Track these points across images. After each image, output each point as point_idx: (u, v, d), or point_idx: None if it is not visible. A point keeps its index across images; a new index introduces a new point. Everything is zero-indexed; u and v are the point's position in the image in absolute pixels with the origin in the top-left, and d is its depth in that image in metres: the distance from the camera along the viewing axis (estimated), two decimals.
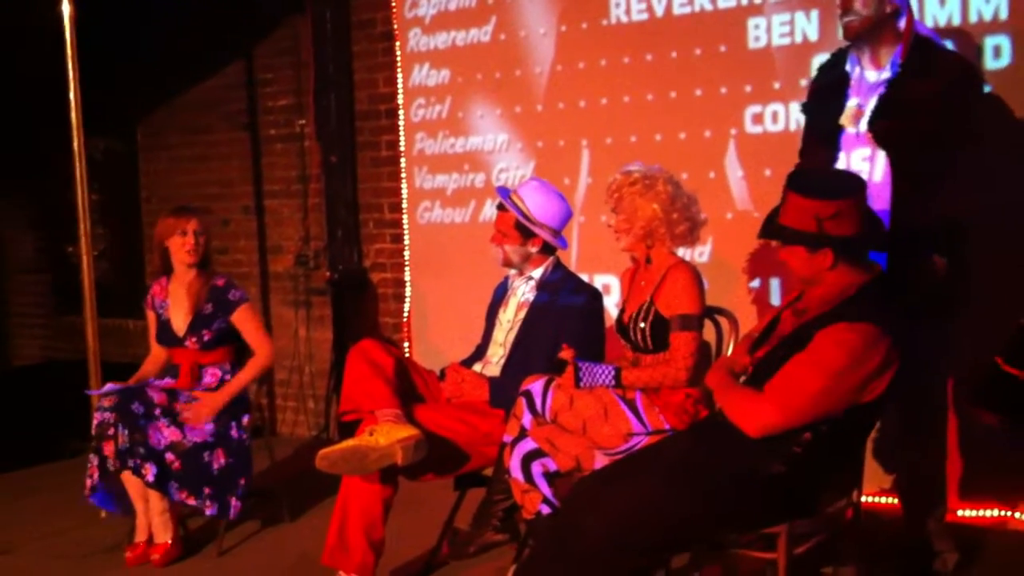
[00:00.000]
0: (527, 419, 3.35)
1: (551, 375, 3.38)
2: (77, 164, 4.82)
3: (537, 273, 3.84)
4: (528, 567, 3.11)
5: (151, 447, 4.09)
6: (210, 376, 4.39)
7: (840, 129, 3.47)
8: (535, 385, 3.37)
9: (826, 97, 3.57)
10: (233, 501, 4.21)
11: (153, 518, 4.21)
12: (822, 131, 3.54)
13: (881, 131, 3.34)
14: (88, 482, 4.16)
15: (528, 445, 3.31)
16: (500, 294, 3.98)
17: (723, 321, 3.64)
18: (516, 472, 3.30)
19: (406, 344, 5.73)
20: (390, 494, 3.62)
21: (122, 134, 7.38)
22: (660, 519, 2.72)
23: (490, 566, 3.80)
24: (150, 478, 4.06)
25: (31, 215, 8.37)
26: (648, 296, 3.41)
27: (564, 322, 3.67)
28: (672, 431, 3.26)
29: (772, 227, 2.93)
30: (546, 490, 3.27)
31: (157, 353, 4.55)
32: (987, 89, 3.78)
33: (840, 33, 3.47)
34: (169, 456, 4.12)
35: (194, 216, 4.40)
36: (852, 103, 3.45)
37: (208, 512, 4.18)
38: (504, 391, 3.56)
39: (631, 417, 3.27)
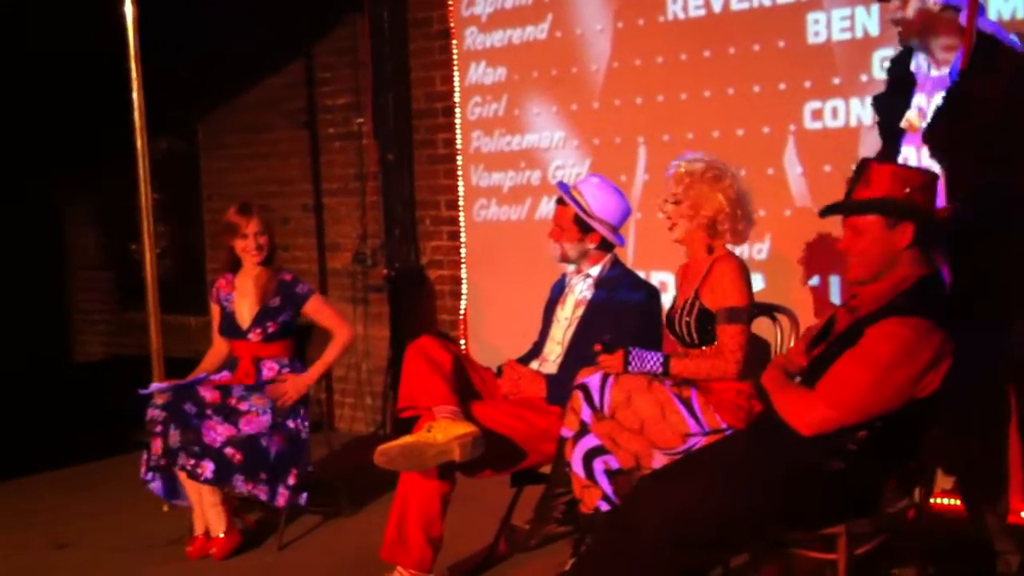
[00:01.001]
0: (586, 413, 3.34)
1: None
2: (140, 163, 4.89)
3: (595, 270, 3.83)
4: (586, 562, 3.11)
5: (206, 445, 4.15)
6: (267, 370, 4.45)
7: (902, 132, 3.36)
8: (592, 379, 3.36)
9: (892, 96, 3.47)
10: (281, 489, 4.24)
11: (207, 511, 4.28)
12: (886, 131, 3.45)
13: (938, 136, 3.20)
14: (141, 473, 4.26)
15: (591, 441, 3.30)
16: (558, 291, 3.98)
17: (782, 319, 3.60)
18: (578, 467, 3.30)
19: (462, 341, 5.75)
20: (448, 490, 3.64)
21: (184, 134, 7.49)
22: (718, 517, 2.70)
23: (548, 561, 3.81)
24: (208, 475, 4.12)
25: (94, 213, 8.52)
26: (693, 290, 3.39)
27: (622, 320, 3.66)
28: (729, 429, 3.24)
29: (847, 201, 2.85)
30: (606, 487, 3.26)
31: (219, 346, 4.62)
32: None
33: None
34: (229, 451, 4.18)
35: (254, 217, 4.45)
36: (915, 104, 3.33)
37: (260, 497, 4.22)
38: (561, 388, 3.56)
39: (688, 417, 3.25)
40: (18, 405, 6.72)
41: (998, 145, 3.13)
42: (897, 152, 3.39)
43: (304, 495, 4.33)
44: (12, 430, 6.22)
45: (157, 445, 4.16)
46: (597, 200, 3.77)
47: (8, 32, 6.59)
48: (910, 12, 3.24)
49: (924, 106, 3.31)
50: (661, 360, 3.34)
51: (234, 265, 4.54)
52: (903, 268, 2.80)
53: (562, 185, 3.85)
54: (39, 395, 7.07)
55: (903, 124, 3.37)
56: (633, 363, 3.33)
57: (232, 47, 6.65)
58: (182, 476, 4.21)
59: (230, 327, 4.51)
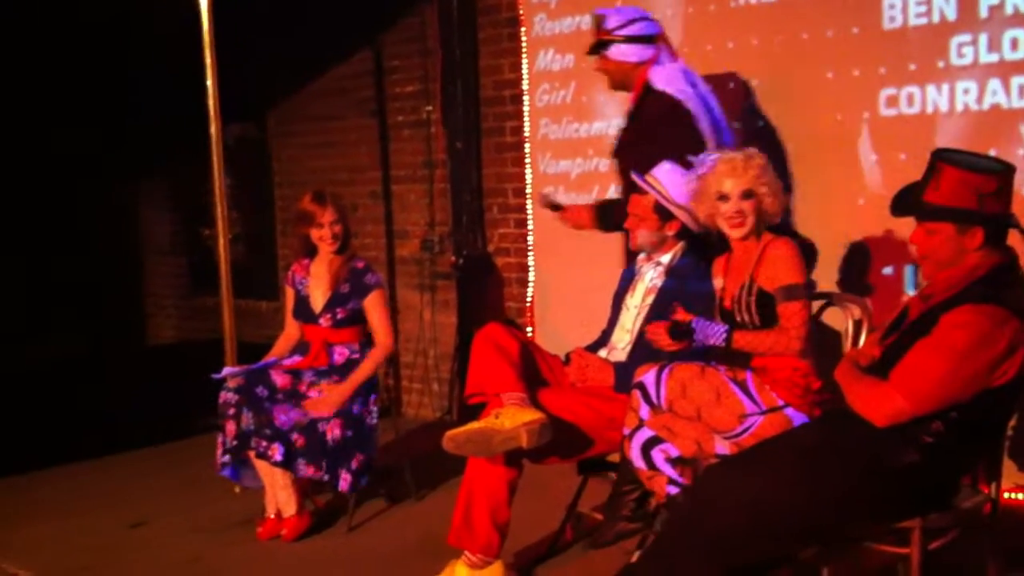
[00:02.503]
0: (644, 411, 3.34)
1: (661, 365, 3.36)
2: (213, 150, 4.96)
3: (666, 258, 3.81)
4: (656, 551, 3.10)
5: (276, 428, 4.22)
6: (338, 355, 4.50)
7: None
8: (647, 376, 3.36)
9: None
10: (343, 473, 4.28)
11: (278, 492, 4.35)
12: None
13: (619, 163, 4.23)
14: (217, 457, 4.33)
15: (646, 434, 3.31)
16: (627, 279, 3.95)
17: (854, 308, 3.56)
18: (638, 461, 3.30)
19: (529, 329, 5.75)
20: (514, 476, 3.65)
21: (255, 121, 7.59)
22: (793, 507, 2.68)
23: (614, 549, 3.80)
24: (277, 458, 4.18)
25: (167, 199, 8.67)
26: (748, 275, 3.36)
27: (692, 308, 3.63)
28: (787, 407, 3.21)
29: (921, 204, 2.81)
30: (670, 472, 3.26)
31: (291, 330, 4.68)
32: None
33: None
34: (293, 435, 4.24)
35: (329, 206, 4.47)
36: None
37: (325, 481, 4.27)
38: (630, 377, 3.54)
39: (743, 398, 3.23)
40: (93, 388, 6.87)
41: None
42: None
43: (365, 479, 4.37)
44: (87, 412, 6.37)
45: (231, 428, 4.23)
46: (675, 186, 3.73)
47: (85, 21, 6.72)
48: (612, 65, 4.18)
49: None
50: (724, 332, 3.32)
51: (309, 251, 4.59)
52: (977, 257, 2.75)
53: (637, 174, 3.82)
54: (113, 378, 7.23)
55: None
56: (698, 334, 3.32)
57: (303, 36, 6.72)
58: (253, 458, 4.28)
59: (303, 311, 4.56)
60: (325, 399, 4.34)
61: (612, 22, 4.19)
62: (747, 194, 3.37)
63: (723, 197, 3.39)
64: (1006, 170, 2.74)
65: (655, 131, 4.06)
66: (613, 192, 4.47)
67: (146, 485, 5.25)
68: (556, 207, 4.43)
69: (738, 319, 3.38)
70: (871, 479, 2.70)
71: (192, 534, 4.47)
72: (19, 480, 5.35)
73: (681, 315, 3.37)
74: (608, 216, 4.28)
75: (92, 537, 4.46)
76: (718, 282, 3.53)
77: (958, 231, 2.74)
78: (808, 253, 3.58)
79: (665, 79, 4.12)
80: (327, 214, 4.46)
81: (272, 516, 4.38)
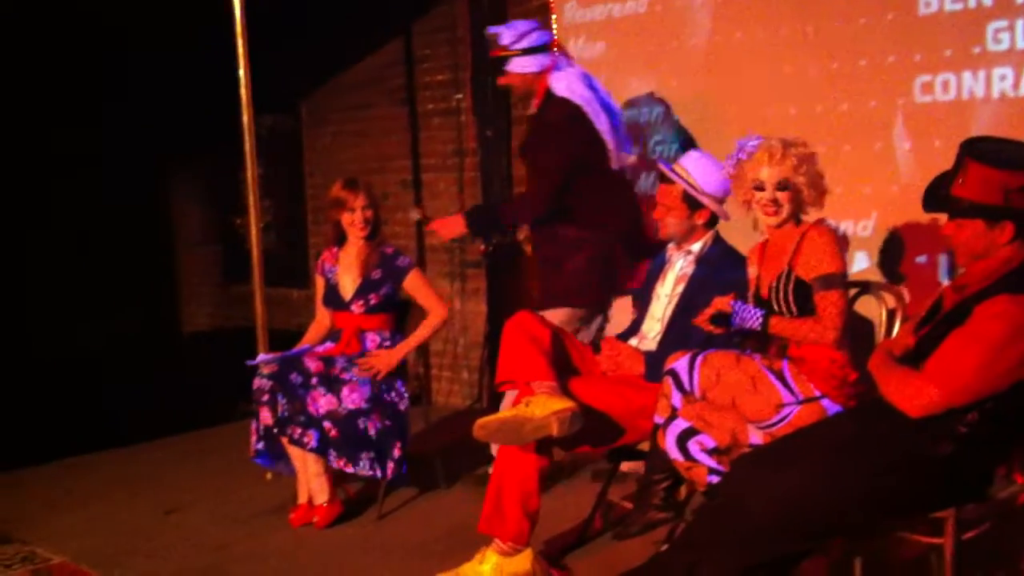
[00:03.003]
0: (676, 398, 3.32)
1: (694, 352, 3.34)
2: (246, 140, 4.98)
3: (696, 247, 3.79)
4: (684, 542, 3.09)
5: (310, 415, 4.24)
6: (370, 342, 4.52)
7: None
8: (680, 363, 3.34)
9: None
10: (389, 463, 4.32)
11: (311, 480, 4.37)
12: None
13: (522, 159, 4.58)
14: (251, 444, 4.36)
15: (680, 425, 3.28)
16: (657, 268, 3.94)
17: (888, 297, 3.53)
18: (674, 453, 3.28)
19: None
20: (545, 464, 3.64)
21: (287, 111, 7.63)
22: (826, 503, 2.67)
23: (644, 538, 3.79)
24: (312, 444, 4.21)
25: (201, 189, 8.73)
26: (786, 264, 3.33)
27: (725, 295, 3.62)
28: (823, 398, 3.19)
29: (948, 200, 2.79)
30: (709, 462, 3.24)
31: (322, 318, 4.70)
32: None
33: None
34: (327, 424, 4.26)
35: (361, 191, 4.51)
36: None
37: (369, 473, 4.30)
38: (660, 365, 3.53)
39: (780, 387, 3.21)
40: (130, 375, 6.94)
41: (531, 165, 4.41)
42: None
43: (406, 467, 4.40)
44: (124, 398, 6.44)
45: (265, 414, 4.26)
46: (704, 175, 3.72)
47: (114, 8, 6.76)
48: (516, 79, 4.46)
49: None
50: (761, 316, 3.30)
51: (339, 239, 4.61)
52: (1010, 250, 2.72)
53: (664, 162, 3.81)
54: (150, 365, 7.30)
55: None
56: (736, 319, 3.31)
57: (334, 26, 6.73)
58: (287, 444, 4.31)
59: (334, 299, 4.59)
60: (375, 360, 4.38)
61: (507, 38, 4.42)
62: (782, 184, 3.34)
63: (759, 186, 3.36)
64: None
65: (557, 134, 4.32)
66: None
67: (179, 472, 5.30)
68: (424, 220, 4.54)
69: (775, 308, 3.35)
70: (905, 470, 2.68)
71: (225, 520, 4.51)
72: (53, 467, 5.41)
73: (721, 303, 3.35)
74: (479, 221, 4.51)
75: (126, 523, 4.51)
76: (752, 270, 3.51)
77: (987, 226, 2.72)
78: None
79: (565, 85, 4.40)
80: (359, 199, 4.49)
81: (304, 503, 4.41)
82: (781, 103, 4.72)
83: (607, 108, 4.48)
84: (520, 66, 4.44)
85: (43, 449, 5.51)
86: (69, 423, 6.02)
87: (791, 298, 3.30)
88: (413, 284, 4.55)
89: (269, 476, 4.87)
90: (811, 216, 3.41)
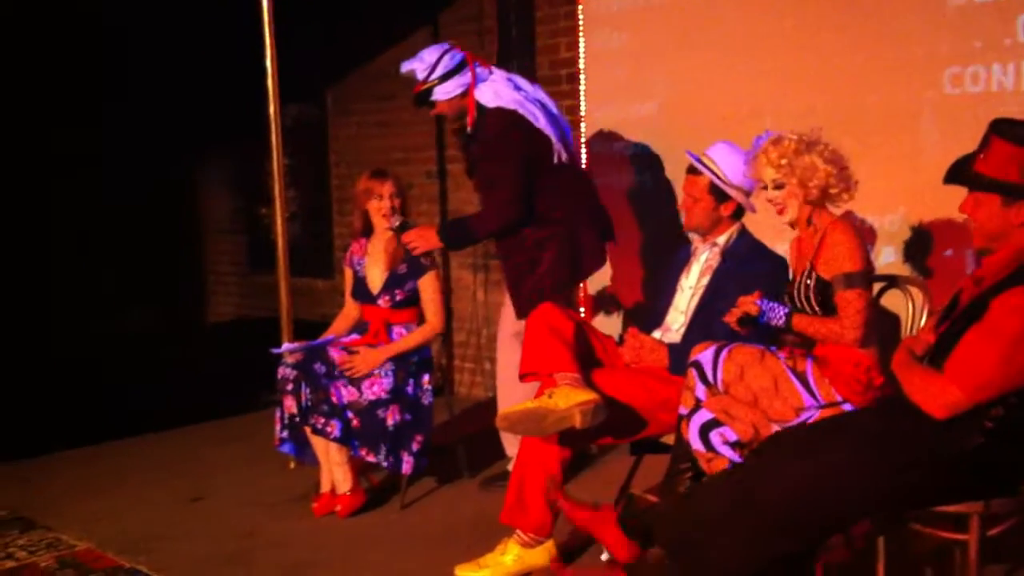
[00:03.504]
0: (700, 390, 3.31)
1: (719, 345, 3.33)
2: (272, 130, 4.99)
3: (722, 239, 3.78)
4: (697, 532, 3.08)
5: (333, 404, 4.26)
6: (396, 335, 4.52)
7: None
8: (704, 355, 3.32)
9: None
10: (406, 456, 4.33)
11: (333, 469, 4.39)
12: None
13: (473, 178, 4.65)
14: (276, 433, 4.38)
15: (704, 416, 3.26)
16: (682, 260, 3.93)
17: (913, 291, 3.50)
18: (696, 443, 3.26)
19: (582, 309, 5.74)
20: (567, 456, 3.65)
21: (313, 101, 7.64)
22: (843, 494, 2.66)
23: None
24: (336, 434, 4.23)
25: (227, 178, 8.77)
26: (808, 261, 3.31)
27: (748, 290, 3.60)
28: (845, 403, 3.17)
29: (966, 173, 2.79)
30: (730, 455, 3.23)
31: (349, 309, 4.71)
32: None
33: None
34: (349, 414, 4.28)
35: (388, 179, 4.53)
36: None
37: (385, 466, 4.32)
38: (684, 358, 3.51)
39: (802, 390, 3.19)
40: (156, 362, 6.99)
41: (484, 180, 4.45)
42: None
43: (426, 460, 4.41)
44: (150, 386, 6.49)
45: (289, 403, 4.28)
46: (731, 166, 3.70)
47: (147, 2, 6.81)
48: (444, 107, 4.52)
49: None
50: (785, 313, 3.28)
51: (367, 230, 4.62)
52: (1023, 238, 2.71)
53: (691, 154, 3.79)
54: (176, 353, 7.34)
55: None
56: (764, 316, 3.30)
57: (360, 15, 6.74)
58: (310, 434, 4.33)
59: (362, 291, 4.60)
60: (361, 357, 4.37)
61: (421, 72, 4.48)
62: (777, 184, 3.34)
63: (764, 185, 3.39)
64: None
65: (499, 143, 4.35)
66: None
67: (204, 459, 5.34)
68: (404, 227, 4.53)
69: (798, 306, 3.34)
70: (929, 466, 2.66)
71: (249, 508, 4.53)
72: (79, 453, 5.46)
73: (746, 303, 3.33)
74: (452, 236, 4.54)
75: (151, 510, 4.54)
76: (792, 268, 3.49)
77: (1003, 204, 2.71)
78: None
79: (492, 94, 4.43)
80: (387, 186, 4.51)
81: (326, 492, 4.43)
82: (808, 96, 4.69)
83: (539, 103, 4.49)
84: (444, 93, 4.45)
85: (68, 436, 5.56)
86: (94, 410, 6.06)
87: (812, 297, 3.28)
88: (424, 284, 4.53)
89: (293, 465, 4.89)
90: (841, 210, 3.38)
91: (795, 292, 3.35)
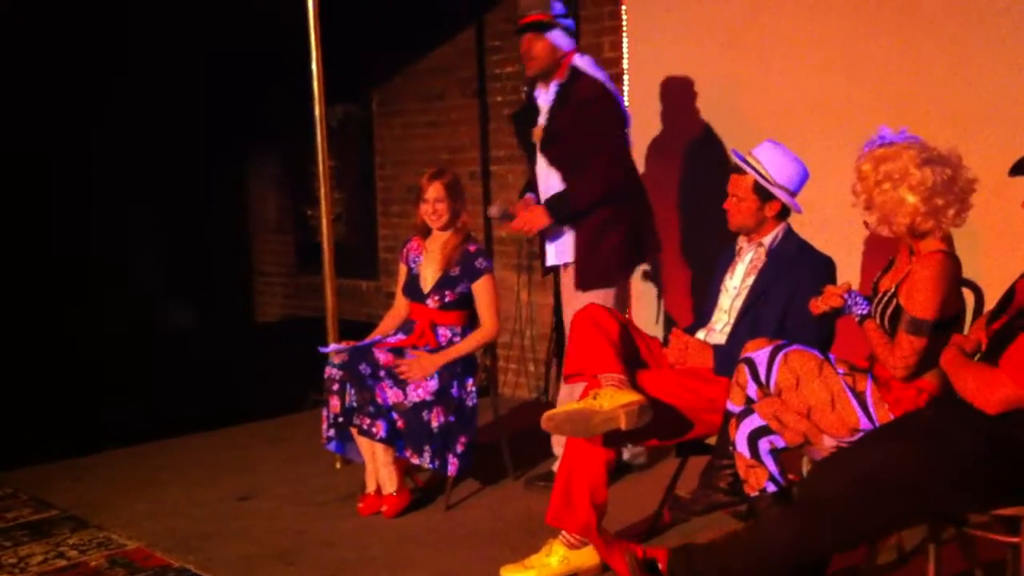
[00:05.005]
0: (752, 389, 3.28)
1: (776, 345, 3.29)
2: (318, 131, 5.01)
3: (767, 239, 3.74)
4: (760, 523, 3.06)
5: (379, 405, 4.28)
6: (441, 336, 4.54)
7: (534, 144, 4.62)
8: (759, 354, 3.28)
9: (524, 116, 4.73)
10: (451, 458, 4.34)
11: (380, 470, 4.41)
12: (524, 143, 4.75)
13: (545, 147, 4.55)
14: (323, 431, 4.41)
15: (755, 422, 3.23)
16: (727, 260, 3.91)
17: (966, 293, 3.44)
18: (742, 447, 3.24)
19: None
20: (612, 457, 3.64)
21: (359, 101, 7.68)
22: (902, 485, 2.64)
23: (713, 532, 3.77)
24: (381, 435, 4.25)
25: (275, 178, 8.84)
26: (895, 283, 3.21)
27: (795, 292, 3.58)
28: None
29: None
30: (773, 468, 3.20)
31: (399, 307, 4.73)
32: None
33: None
34: (394, 415, 4.29)
35: (436, 181, 4.51)
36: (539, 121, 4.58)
37: (429, 467, 4.34)
38: (729, 359, 3.50)
39: (859, 411, 3.13)
40: (205, 363, 7.06)
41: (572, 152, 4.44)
42: (534, 160, 4.66)
43: (470, 461, 4.42)
44: (198, 386, 6.56)
45: (335, 403, 4.31)
46: (776, 166, 3.67)
47: (196, 6, 6.88)
48: (546, 50, 4.46)
49: (541, 122, 4.57)
50: (865, 312, 3.21)
51: (425, 230, 4.63)
52: None
53: (736, 153, 3.76)
54: (223, 353, 7.41)
55: (533, 139, 4.59)
56: (848, 298, 3.23)
57: (406, 16, 6.76)
58: (356, 434, 4.35)
59: (413, 289, 4.61)
60: (415, 363, 4.38)
61: (558, 8, 4.50)
62: (866, 203, 3.20)
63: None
64: None
65: (597, 109, 4.40)
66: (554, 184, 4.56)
67: (251, 459, 5.37)
68: (508, 217, 4.59)
69: (873, 313, 3.24)
70: (987, 460, 2.63)
71: (296, 507, 4.56)
72: (128, 452, 5.52)
73: (835, 296, 3.27)
74: (560, 210, 4.47)
75: (199, 509, 4.59)
76: (891, 268, 3.38)
77: None
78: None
79: (588, 65, 4.51)
80: (431, 190, 4.50)
81: (372, 492, 4.45)
82: (874, 87, 4.61)
83: (615, 90, 4.59)
84: (556, 38, 4.47)
85: (118, 436, 5.62)
86: (142, 410, 6.14)
87: (887, 318, 3.19)
88: (480, 289, 4.53)
89: (339, 464, 4.92)
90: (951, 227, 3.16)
91: (875, 302, 3.26)
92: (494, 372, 4.96)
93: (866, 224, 3.27)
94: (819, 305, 3.31)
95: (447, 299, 4.52)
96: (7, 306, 7.01)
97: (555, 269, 4.78)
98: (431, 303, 4.53)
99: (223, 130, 8.18)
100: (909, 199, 3.07)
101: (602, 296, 4.38)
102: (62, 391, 6.40)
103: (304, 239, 8.38)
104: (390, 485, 4.39)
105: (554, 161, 4.52)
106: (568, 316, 4.57)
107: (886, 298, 3.21)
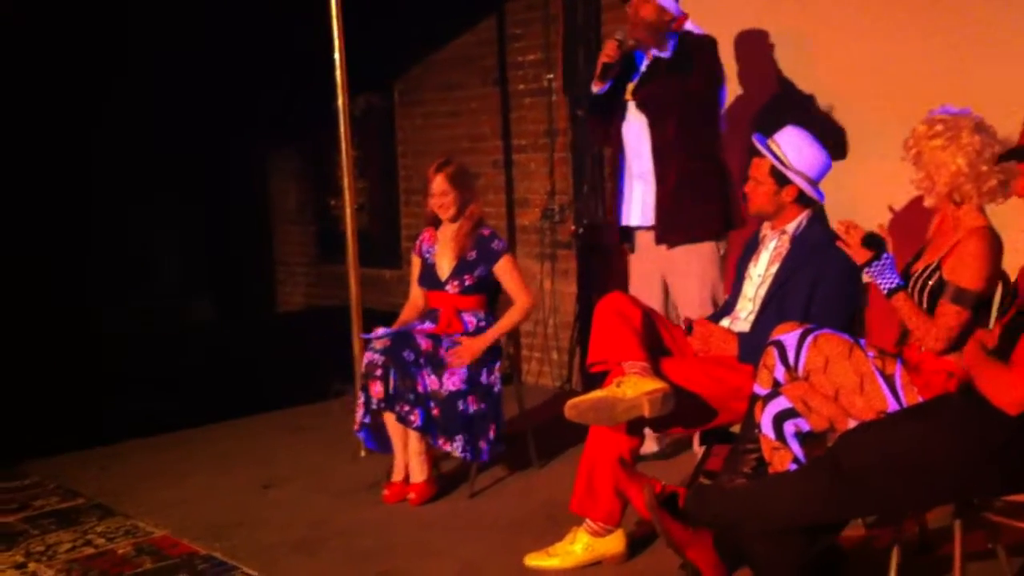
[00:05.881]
0: (779, 372, 3.26)
1: (806, 328, 3.27)
2: (341, 121, 5.02)
3: (791, 227, 3.71)
4: (781, 479, 3.07)
5: (419, 393, 4.29)
6: (467, 323, 4.54)
7: (625, 101, 4.57)
8: (788, 337, 3.26)
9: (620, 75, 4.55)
10: (483, 445, 4.36)
11: (411, 458, 4.42)
12: (613, 99, 4.58)
13: (646, 98, 4.51)
14: (356, 417, 4.42)
15: (781, 404, 3.21)
16: (751, 247, 3.88)
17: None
18: (767, 429, 3.22)
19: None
20: (636, 445, 3.64)
21: (380, 91, 7.69)
22: (930, 467, 2.64)
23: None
24: (418, 423, 4.26)
25: (297, 169, 8.86)
26: (938, 257, 3.19)
27: (819, 279, 3.55)
28: None
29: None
30: (797, 451, 3.18)
31: (415, 297, 4.74)
32: None
33: None
34: (431, 403, 4.31)
35: (440, 173, 4.51)
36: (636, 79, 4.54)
37: (461, 455, 4.34)
38: (754, 347, 3.48)
39: (888, 394, 3.11)
40: (228, 351, 7.10)
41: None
42: (622, 118, 4.58)
43: (502, 446, 4.45)
44: (222, 375, 6.59)
45: (377, 389, 4.30)
46: (795, 151, 3.64)
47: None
48: (654, 12, 4.42)
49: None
50: (896, 284, 3.18)
51: (435, 220, 4.64)
52: None
53: (759, 136, 3.74)
54: (247, 342, 7.45)
55: (627, 96, 4.54)
56: (875, 268, 3.19)
57: (427, 6, 6.75)
58: (390, 421, 4.37)
59: (430, 278, 4.62)
60: (461, 350, 4.39)
61: None
62: (915, 159, 3.22)
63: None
64: None
65: (711, 68, 4.45)
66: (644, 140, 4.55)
67: (275, 447, 5.40)
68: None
69: (910, 290, 3.23)
70: (1015, 447, 2.61)
71: (321, 496, 4.58)
72: (154, 441, 5.55)
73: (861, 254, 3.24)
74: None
75: (225, 497, 4.62)
76: (926, 239, 3.37)
77: None
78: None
79: (697, 29, 4.52)
80: (436, 183, 4.51)
81: (398, 480, 4.46)
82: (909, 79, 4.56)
83: None
84: (666, 1, 4.44)
85: (143, 424, 5.66)
86: (167, 399, 6.19)
87: (926, 295, 3.17)
88: (503, 269, 4.55)
89: (363, 453, 4.93)
90: (993, 205, 3.20)
91: (912, 279, 3.24)
92: (517, 360, 4.96)
93: (916, 186, 3.25)
94: (856, 235, 3.25)
95: (467, 283, 4.52)
96: (31, 298, 7.07)
97: (628, 235, 4.75)
98: (451, 288, 4.54)
99: (244, 121, 8.20)
100: (958, 160, 3.13)
101: (707, 251, 4.48)
102: (86, 381, 6.44)
103: (326, 229, 8.39)
104: (420, 474, 4.40)
105: (646, 103, 4.50)
106: (641, 285, 4.67)
107: (927, 272, 3.19)
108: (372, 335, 4.51)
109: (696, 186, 4.45)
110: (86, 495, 4.66)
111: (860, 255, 3.23)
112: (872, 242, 3.22)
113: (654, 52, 4.50)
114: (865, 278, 3.29)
